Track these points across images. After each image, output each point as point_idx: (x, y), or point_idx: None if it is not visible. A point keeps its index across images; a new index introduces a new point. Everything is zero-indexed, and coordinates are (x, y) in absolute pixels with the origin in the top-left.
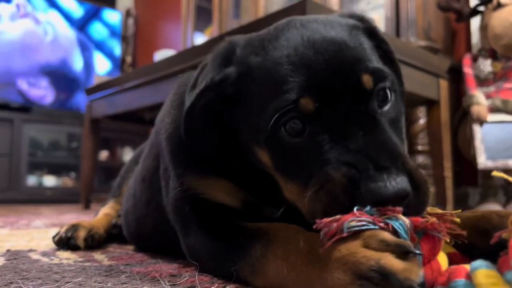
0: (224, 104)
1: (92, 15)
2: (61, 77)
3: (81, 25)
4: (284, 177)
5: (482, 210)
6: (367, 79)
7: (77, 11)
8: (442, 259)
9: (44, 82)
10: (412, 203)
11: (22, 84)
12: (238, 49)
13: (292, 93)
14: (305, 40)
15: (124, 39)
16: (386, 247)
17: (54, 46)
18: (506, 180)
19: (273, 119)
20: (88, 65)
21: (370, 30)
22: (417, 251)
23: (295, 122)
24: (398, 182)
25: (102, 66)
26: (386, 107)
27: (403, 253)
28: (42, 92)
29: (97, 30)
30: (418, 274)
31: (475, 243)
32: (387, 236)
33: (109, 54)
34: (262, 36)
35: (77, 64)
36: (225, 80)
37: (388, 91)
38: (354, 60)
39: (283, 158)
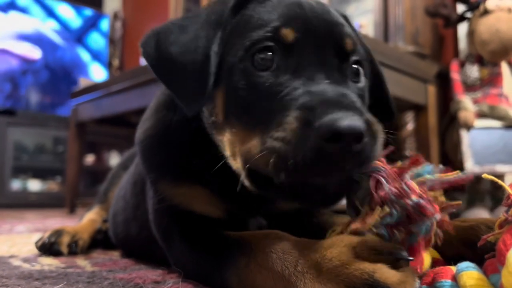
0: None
1: (91, 25)
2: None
3: (78, 36)
4: (232, 125)
5: (470, 219)
6: (348, 41)
7: (75, 21)
8: (426, 258)
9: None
10: (367, 149)
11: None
12: None
13: (275, 22)
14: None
15: (111, 42)
16: (378, 256)
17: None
18: (493, 185)
19: (249, 45)
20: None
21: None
22: (409, 258)
23: (266, 54)
24: (353, 119)
25: (98, 75)
26: (357, 84)
27: (394, 260)
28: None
29: (94, 39)
30: (413, 285)
31: (463, 254)
32: (377, 243)
33: (105, 63)
34: None
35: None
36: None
37: (360, 69)
38: (340, 24)
39: (238, 98)
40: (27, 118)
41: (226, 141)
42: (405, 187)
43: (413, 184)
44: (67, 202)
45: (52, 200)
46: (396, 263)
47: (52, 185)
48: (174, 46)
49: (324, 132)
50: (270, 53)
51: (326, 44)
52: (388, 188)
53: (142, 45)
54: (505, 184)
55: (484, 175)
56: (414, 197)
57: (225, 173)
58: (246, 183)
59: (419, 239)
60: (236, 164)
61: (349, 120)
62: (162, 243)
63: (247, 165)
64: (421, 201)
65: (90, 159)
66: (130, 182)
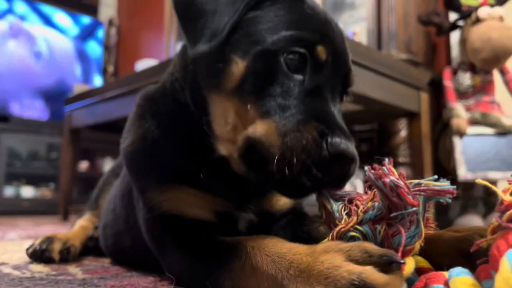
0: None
1: (88, 33)
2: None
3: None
4: (243, 101)
5: (464, 228)
6: (352, 78)
7: (73, 30)
8: (410, 262)
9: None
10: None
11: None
12: None
13: (315, 35)
14: (328, 16)
15: (106, 48)
16: (369, 258)
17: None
18: (486, 192)
19: (288, 39)
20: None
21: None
22: (401, 261)
23: (300, 60)
24: (353, 149)
25: (96, 82)
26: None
27: (386, 264)
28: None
29: (92, 47)
30: (400, 287)
31: (459, 265)
32: (371, 247)
33: (101, 70)
34: None
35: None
36: None
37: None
38: (349, 56)
39: (259, 78)
40: (20, 124)
41: (222, 113)
42: (384, 168)
43: (392, 169)
44: (60, 209)
45: (45, 207)
46: (387, 267)
47: (45, 192)
48: None
49: (335, 151)
50: (303, 61)
51: (341, 74)
52: (368, 171)
53: None
54: (498, 190)
55: (478, 181)
56: (392, 177)
57: (214, 169)
58: (237, 163)
59: (402, 240)
60: (229, 147)
61: (351, 149)
62: (156, 251)
63: (247, 147)
64: (400, 182)
65: (84, 165)
66: (119, 196)
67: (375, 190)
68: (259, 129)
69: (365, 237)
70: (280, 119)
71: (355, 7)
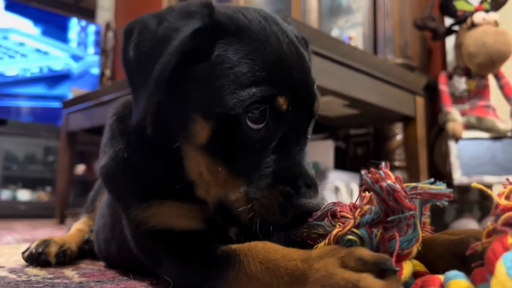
0: (186, 57)
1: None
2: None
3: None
4: (213, 159)
5: (460, 231)
6: (317, 106)
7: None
8: (407, 266)
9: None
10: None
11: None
12: (218, 8)
13: (272, 87)
14: (285, 42)
15: (103, 52)
16: (364, 266)
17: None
18: (481, 196)
19: (247, 98)
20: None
21: (307, 45)
22: (395, 268)
23: (260, 113)
24: (318, 200)
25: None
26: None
27: (381, 271)
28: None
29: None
30: None
31: (454, 268)
32: (365, 253)
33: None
34: (244, 13)
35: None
36: (202, 29)
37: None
38: (313, 83)
39: (225, 139)
40: (17, 127)
41: (196, 165)
42: (381, 172)
43: (389, 173)
44: (57, 212)
45: (41, 210)
46: (382, 273)
47: (42, 195)
48: (138, 50)
49: (300, 212)
50: (264, 113)
51: (305, 111)
52: (365, 175)
53: (123, 36)
54: (494, 194)
55: (474, 184)
56: (389, 181)
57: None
58: (213, 213)
59: (397, 244)
60: (204, 194)
61: (316, 203)
62: (150, 264)
63: (219, 204)
64: (397, 185)
65: (80, 169)
66: (107, 203)
67: (371, 194)
68: (230, 194)
69: (362, 241)
70: (248, 183)
71: (351, 12)
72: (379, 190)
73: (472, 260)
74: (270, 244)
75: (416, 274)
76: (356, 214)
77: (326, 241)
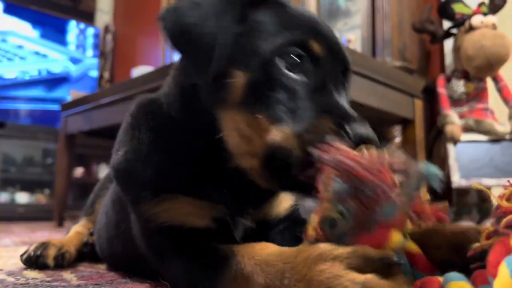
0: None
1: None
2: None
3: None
4: (252, 112)
5: (462, 225)
6: (349, 62)
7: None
8: (396, 236)
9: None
10: None
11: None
12: None
13: (307, 33)
14: (311, 13)
15: (102, 54)
16: (369, 263)
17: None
18: (480, 199)
19: (283, 43)
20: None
21: None
22: (400, 261)
23: (297, 58)
24: (372, 132)
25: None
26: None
27: (387, 266)
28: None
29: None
30: None
31: (450, 260)
32: (369, 251)
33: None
34: None
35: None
36: None
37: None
38: (344, 46)
39: (263, 88)
40: (16, 130)
41: (234, 127)
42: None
43: (341, 146)
44: (55, 215)
45: (40, 212)
46: (388, 269)
47: (41, 198)
48: (190, 18)
49: (356, 137)
50: (301, 61)
51: (339, 63)
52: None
53: (161, 19)
54: (494, 196)
55: (474, 185)
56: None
57: (212, 176)
58: (259, 174)
59: (378, 216)
60: (245, 156)
61: (371, 133)
62: (155, 260)
63: (266, 157)
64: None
65: (79, 171)
66: (110, 200)
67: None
68: (275, 136)
69: (342, 215)
70: (293, 122)
71: (350, 14)
72: (328, 161)
73: (469, 254)
74: (265, 245)
75: (409, 254)
76: (323, 192)
77: (313, 227)
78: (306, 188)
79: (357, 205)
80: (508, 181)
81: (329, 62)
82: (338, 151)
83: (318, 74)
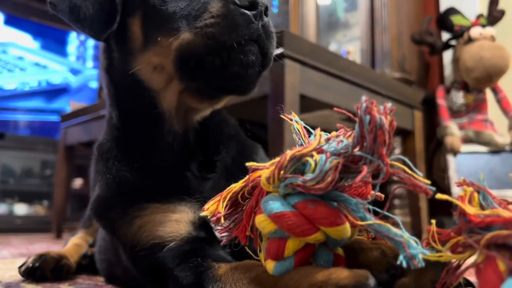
0: None
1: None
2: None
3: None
4: (153, 38)
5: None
6: None
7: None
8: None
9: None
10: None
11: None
12: None
13: None
14: None
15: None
16: None
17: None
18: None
19: None
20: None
21: None
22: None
23: None
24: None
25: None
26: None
27: None
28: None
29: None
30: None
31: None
32: (342, 276)
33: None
34: None
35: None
36: None
37: None
38: None
39: (158, 10)
40: (15, 141)
41: (147, 66)
42: (381, 107)
43: (388, 116)
44: (53, 227)
45: (38, 224)
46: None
47: (39, 209)
48: None
49: (245, 1)
50: None
51: None
52: (364, 99)
53: (51, 3)
54: (460, 202)
55: (438, 195)
56: (383, 117)
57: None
58: (179, 75)
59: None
60: (166, 80)
61: None
62: (150, 284)
63: (180, 57)
64: (386, 125)
65: (78, 182)
66: None
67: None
68: (178, 41)
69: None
70: (188, 21)
71: (349, 26)
72: (367, 120)
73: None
74: (251, 265)
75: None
76: (322, 139)
77: (280, 158)
78: (217, 80)
79: (338, 165)
80: (463, 179)
81: None
82: (382, 113)
83: None
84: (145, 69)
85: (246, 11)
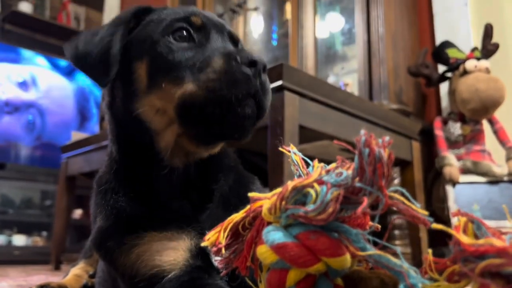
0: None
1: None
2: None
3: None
4: (157, 84)
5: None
6: (236, 34)
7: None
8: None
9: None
10: (267, 83)
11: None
12: None
13: (185, 14)
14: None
15: (103, 96)
16: None
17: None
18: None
19: (168, 24)
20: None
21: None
22: None
23: (182, 32)
24: (260, 57)
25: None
26: None
27: None
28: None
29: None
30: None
31: None
32: None
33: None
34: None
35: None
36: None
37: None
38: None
39: (164, 61)
40: (15, 171)
41: (149, 108)
42: (380, 141)
43: (386, 149)
44: (52, 258)
45: (37, 255)
46: None
47: (38, 240)
48: (86, 44)
49: (246, 60)
50: (186, 32)
51: (223, 32)
52: (363, 132)
53: (64, 48)
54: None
55: (433, 225)
56: (381, 150)
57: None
58: (179, 120)
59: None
60: (166, 121)
61: (259, 57)
62: None
63: (182, 105)
64: (385, 158)
65: (78, 213)
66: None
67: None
68: (181, 91)
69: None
70: (192, 74)
71: (347, 59)
72: (366, 152)
73: None
74: None
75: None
76: (323, 171)
77: (282, 189)
78: (217, 129)
79: (339, 196)
80: (459, 210)
81: (212, 29)
82: (380, 145)
83: (204, 37)
84: (148, 110)
85: (246, 69)
